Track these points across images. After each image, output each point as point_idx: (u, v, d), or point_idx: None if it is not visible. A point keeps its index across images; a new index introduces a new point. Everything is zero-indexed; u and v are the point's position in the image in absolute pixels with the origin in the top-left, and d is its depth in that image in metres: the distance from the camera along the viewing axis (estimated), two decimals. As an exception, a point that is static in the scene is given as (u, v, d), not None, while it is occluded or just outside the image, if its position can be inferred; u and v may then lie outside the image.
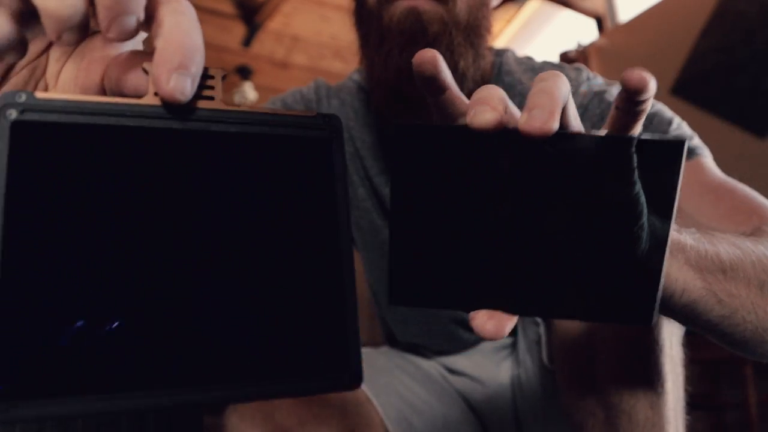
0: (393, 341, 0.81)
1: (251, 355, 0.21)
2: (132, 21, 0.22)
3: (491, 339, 0.29)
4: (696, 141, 0.60)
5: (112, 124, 0.21)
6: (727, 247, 0.35)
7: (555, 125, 0.25)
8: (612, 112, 0.32)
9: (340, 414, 0.60)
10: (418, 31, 0.59)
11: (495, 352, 0.73)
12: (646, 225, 0.26)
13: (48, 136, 0.20)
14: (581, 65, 0.67)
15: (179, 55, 0.21)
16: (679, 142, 0.25)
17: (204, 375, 0.21)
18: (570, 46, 2.77)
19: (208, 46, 2.16)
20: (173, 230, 0.21)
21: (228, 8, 2.80)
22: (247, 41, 2.98)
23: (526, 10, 3.08)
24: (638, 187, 0.26)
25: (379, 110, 0.70)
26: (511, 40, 3.12)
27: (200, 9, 2.78)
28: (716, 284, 0.34)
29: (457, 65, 0.61)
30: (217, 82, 0.23)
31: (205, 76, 0.23)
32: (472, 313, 0.29)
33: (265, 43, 3.05)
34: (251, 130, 0.23)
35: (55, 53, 0.26)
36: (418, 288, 0.29)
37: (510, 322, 0.28)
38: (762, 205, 0.51)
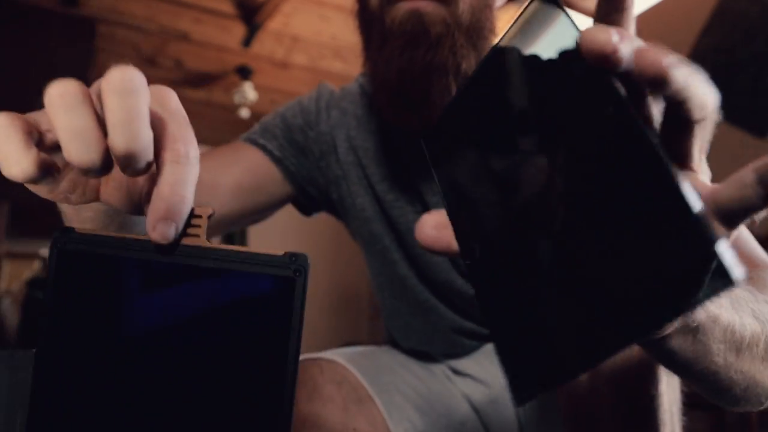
0: (396, 345, 0.81)
1: None
2: (143, 165, 0.26)
3: (422, 242, 0.29)
4: None
5: (122, 255, 0.27)
6: (751, 321, 0.32)
7: (623, 54, 0.21)
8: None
9: (341, 413, 0.60)
10: (420, 33, 0.58)
11: None
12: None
13: (80, 262, 0.28)
14: None
15: (166, 206, 0.25)
16: None
17: None
18: (570, 46, 2.76)
19: (208, 46, 2.17)
20: (153, 352, 0.27)
21: (228, 8, 2.80)
22: (247, 41, 2.98)
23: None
24: None
25: (382, 112, 0.70)
26: (511, 40, 3.12)
27: (200, 9, 2.79)
28: (723, 365, 0.32)
29: (460, 67, 0.60)
30: (203, 222, 0.27)
31: (193, 215, 0.27)
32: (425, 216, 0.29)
33: (265, 43, 3.05)
34: (225, 266, 0.27)
35: None
36: None
37: (452, 248, 0.28)
38: (757, 250, 0.50)
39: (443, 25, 0.59)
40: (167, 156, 0.26)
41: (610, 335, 0.20)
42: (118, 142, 0.25)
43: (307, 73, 3.33)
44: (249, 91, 3.22)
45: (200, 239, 0.27)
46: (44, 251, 2.90)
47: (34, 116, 0.27)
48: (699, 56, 2.20)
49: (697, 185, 0.25)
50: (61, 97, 0.24)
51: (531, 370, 0.23)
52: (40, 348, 0.28)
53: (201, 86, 3.48)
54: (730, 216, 0.24)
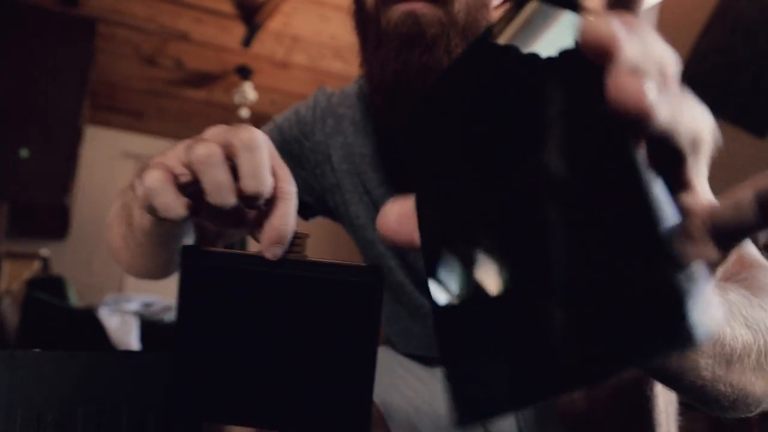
0: (396, 348, 0.81)
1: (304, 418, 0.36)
2: (263, 201, 0.34)
3: (382, 235, 0.26)
4: None
5: (241, 267, 0.34)
6: (743, 331, 0.30)
7: (628, 51, 0.18)
8: None
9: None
10: (416, 35, 0.58)
11: None
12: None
13: (206, 274, 0.34)
14: None
15: (276, 234, 0.33)
16: None
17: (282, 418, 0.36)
18: (570, 46, 2.76)
19: (208, 46, 2.17)
20: (268, 343, 0.35)
21: (228, 8, 2.80)
22: (247, 41, 2.98)
23: (526, 10, 3.08)
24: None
25: (378, 114, 0.70)
26: (511, 40, 3.12)
27: (200, 9, 2.79)
28: (711, 378, 0.29)
29: None
30: (303, 242, 0.35)
31: (296, 236, 0.35)
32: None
33: (265, 43, 3.05)
34: (320, 275, 0.34)
35: None
36: None
37: (413, 241, 0.26)
38: (748, 247, 0.48)
39: (439, 26, 0.58)
40: (278, 193, 0.34)
41: (553, 378, 0.18)
42: (249, 187, 0.32)
43: (307, 73, 3.33)
44: (249, 91, 3.22)
45: (301, 255, 0.35)
46: (44, 251, 2.91)
47: (167, 163, 0.34)
48: (699, 56, 2.20)
49: (692, 203, 0.24)
50: (207, 157, 0.32)
51: (479, 394, 0.21)
52: (176, 350, 0.35)
53: (201, 86, 3.48)
54: (727, 237, 0.23)
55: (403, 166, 0.70)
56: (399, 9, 0.59)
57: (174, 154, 0.34)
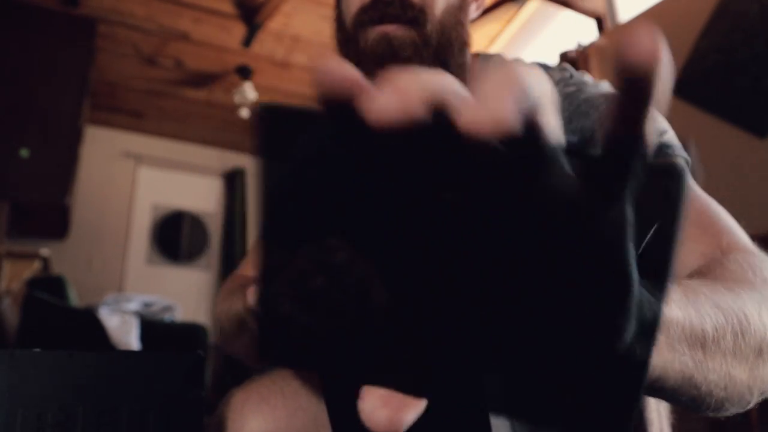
0: None
1: None
2: None
3: None
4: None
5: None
6: (711, 312, 0.30)
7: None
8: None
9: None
10: (389, 57, 0.61)
11: None
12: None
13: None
14: (566, 65, 0.67)
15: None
16: (676, 168, 0.20)
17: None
18: (570, 46, 2.77)
19: (208, 46, 2.16)
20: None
21: (228, 8, 2.80)
22: (247, 41, 2.99)
23: (526, 10, 3.08)
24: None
25: None
26: (511, 41, 3.12)
27: (200, 9, 2.79)
28: (694, 366, 0.29)
29: None
30: None
31: None
32: (363, 393, 0.20)
33: (265, 43, 3.05)
34: None
35: None
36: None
37: (412, 410, 0.19)
38: (731, 231, 0.47)
39: (412, 47, 0.61)
40: None
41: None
42: None
43: (307, 73, 3.33)
44: (249, 91, 3.22)
45: None
46: (44, 251, 2.91)
47: None
48: (699, 56, 2.20)
49: None
50: None
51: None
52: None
53: (201, 86, 3.48)
54: None
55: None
56: (374, 31, 0.61)
57: None
